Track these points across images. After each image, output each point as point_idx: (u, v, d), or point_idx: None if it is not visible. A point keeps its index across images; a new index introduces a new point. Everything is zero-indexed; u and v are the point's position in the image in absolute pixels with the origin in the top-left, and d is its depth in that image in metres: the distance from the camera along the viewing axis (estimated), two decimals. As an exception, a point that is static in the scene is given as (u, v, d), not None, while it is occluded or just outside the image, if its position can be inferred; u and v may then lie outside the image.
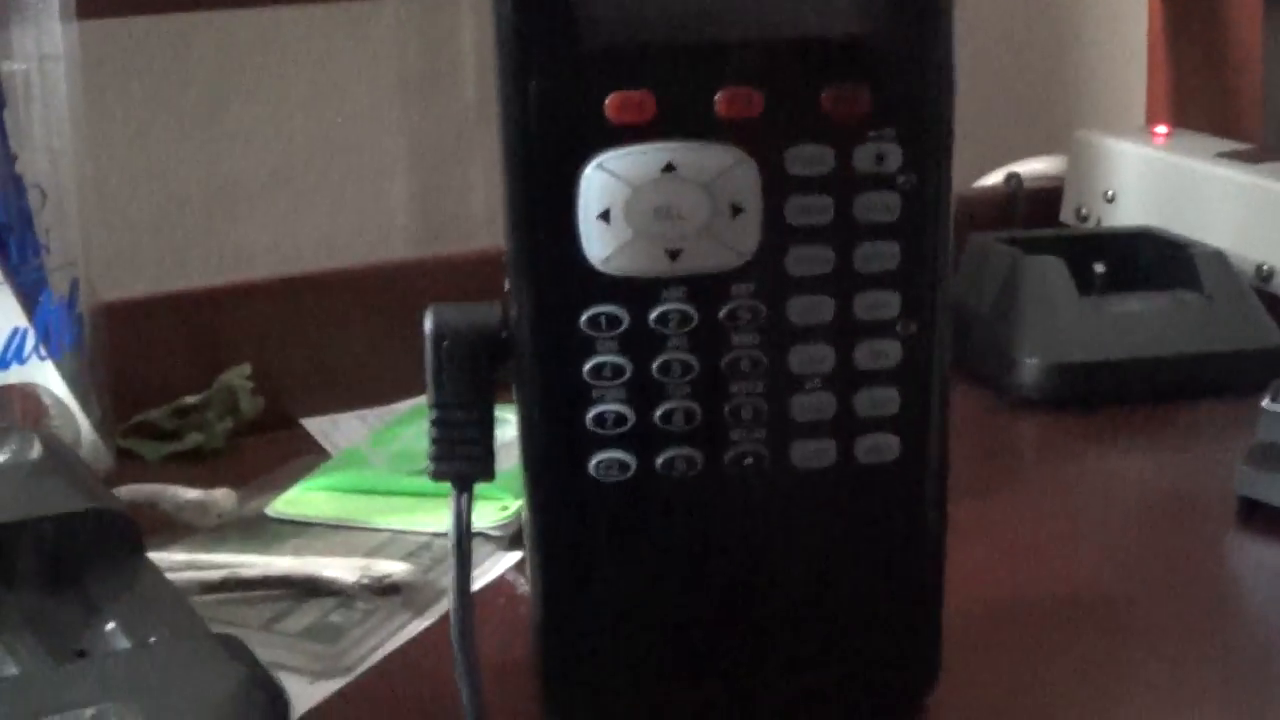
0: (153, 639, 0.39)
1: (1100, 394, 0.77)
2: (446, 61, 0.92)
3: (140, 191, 0.84)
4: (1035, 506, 0.66)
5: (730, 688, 0.46)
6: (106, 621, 0.40)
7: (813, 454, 0.44)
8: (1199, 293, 0.80)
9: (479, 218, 0.93)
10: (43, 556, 0.42)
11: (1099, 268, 0.83)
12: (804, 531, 0.45)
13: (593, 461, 0.43)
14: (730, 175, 0.41)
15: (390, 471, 0.69)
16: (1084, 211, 0.98)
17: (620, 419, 0.43)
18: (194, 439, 0.75)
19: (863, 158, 0.42)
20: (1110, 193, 0.96)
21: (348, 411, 0.79)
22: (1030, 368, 0.78)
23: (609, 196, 0.41)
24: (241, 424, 0.76)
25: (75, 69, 0.70)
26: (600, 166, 0.41)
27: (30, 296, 0.69)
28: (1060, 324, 0.79)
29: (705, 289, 0.42)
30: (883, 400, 0.43)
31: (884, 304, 0.43)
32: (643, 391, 0.43)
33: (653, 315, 0.42)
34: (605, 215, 0.41)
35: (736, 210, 0.41)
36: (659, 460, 0.43)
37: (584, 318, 0.42)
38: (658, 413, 0.43)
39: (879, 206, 0.42)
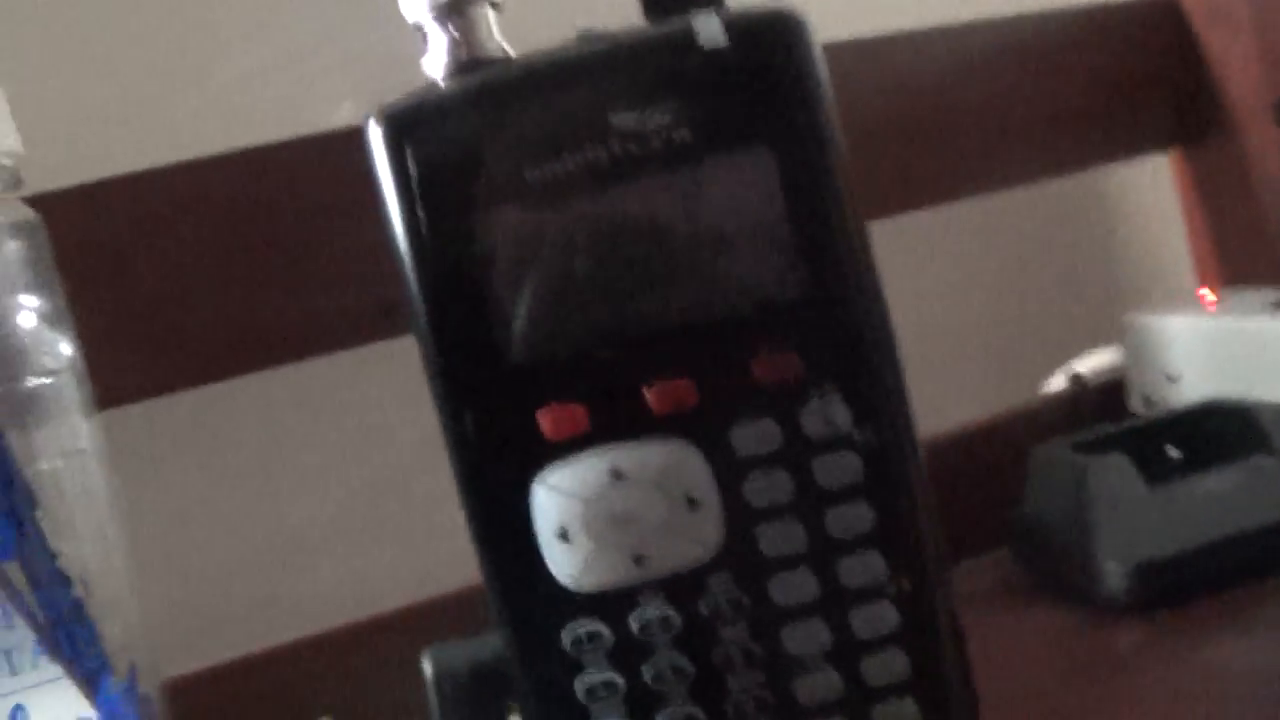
0: None
1: (1191, 584, 0.73)
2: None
3: (192, 565, 0.84)
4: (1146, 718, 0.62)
5: None
6: None
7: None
8: (1273, 456, 0.77)
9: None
10: None
11: (1173, 452, 0.80)
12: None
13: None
14: (679, 469, 0.40)
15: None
16: (1151, 397, 0.95)
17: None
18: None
19: (811, 421, 0.41)
20: (1172, 372, 0.93)
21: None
22: (1112, 573, 0.74)
23: (562, 513, 0.40)
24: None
25: (103, 461, 0.71)
26: (547, 484, 0.40)
27: (93, 684, 0.69)
28: (1134, 522, 0.75)
29: (682, 587, 0.41)
30: (892, 666, 0.41)
31: (869, 567, 0.41)
32: (641, 702, 0.41)
33: (634, 624, 0.41)
34: (563, 533, 0.40)
35: (693, 503, 0.40)
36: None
37: (565, 637, 0.41)
38: (660, 723, 0.41)
39: (839, 468, 0.41)
